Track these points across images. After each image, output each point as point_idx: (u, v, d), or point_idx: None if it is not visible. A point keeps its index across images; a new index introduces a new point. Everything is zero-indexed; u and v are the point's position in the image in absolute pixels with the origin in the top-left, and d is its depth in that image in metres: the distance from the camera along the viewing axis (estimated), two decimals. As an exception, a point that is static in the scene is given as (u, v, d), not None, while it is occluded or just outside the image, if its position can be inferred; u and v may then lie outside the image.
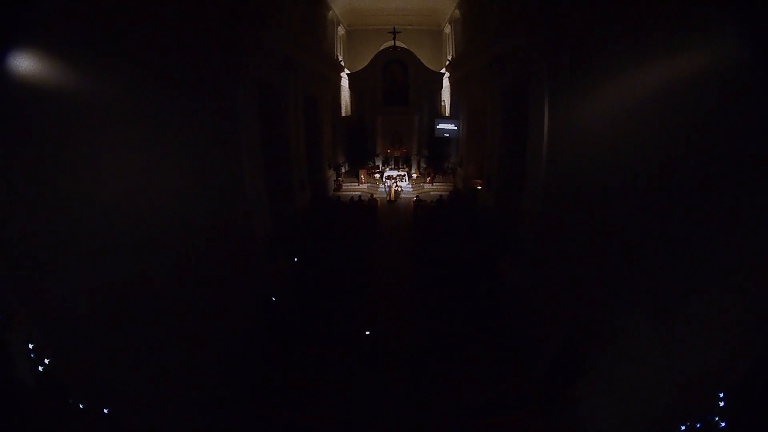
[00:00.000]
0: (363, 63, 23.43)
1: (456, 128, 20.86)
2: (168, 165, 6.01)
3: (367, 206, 17.87)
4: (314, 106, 17.65)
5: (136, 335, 4.95)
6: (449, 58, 22.39)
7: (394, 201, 19.57)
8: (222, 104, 8.21)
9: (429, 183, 21.52)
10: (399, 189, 20.45)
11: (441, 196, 18.85)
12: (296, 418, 6.97)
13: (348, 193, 20.42)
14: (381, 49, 24.00)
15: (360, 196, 18.92)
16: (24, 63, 3.72)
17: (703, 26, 4.11)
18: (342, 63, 23.39)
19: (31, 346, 3.53)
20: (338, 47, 23.40)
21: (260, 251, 9.74)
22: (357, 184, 21.72)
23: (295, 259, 11.86)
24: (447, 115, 23.68)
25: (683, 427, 3.72)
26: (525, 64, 9.92)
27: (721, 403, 3.45)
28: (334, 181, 21.44)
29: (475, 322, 9.46)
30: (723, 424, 3.39)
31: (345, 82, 24.15)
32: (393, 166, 22.74)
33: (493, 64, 13.26)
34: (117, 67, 4.95)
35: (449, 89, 23.53)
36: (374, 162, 23.19)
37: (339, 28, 23.38)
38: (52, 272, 3.95)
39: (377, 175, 21.95)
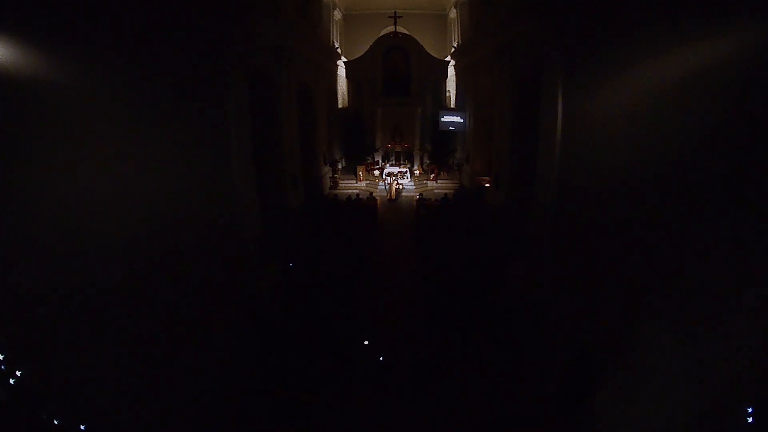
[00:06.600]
0: (361, 50, 23.46)
1: (462, 121, 20.87)
2: (151, 161, 6.01)
3: (365, 205, 17.89)
4: (308, 97, 17.67)
5: (117, 345, 4.95)
6: (454, 45, 22.40)
7: (395, 200, 19.60)
8: (210, 96, 8.21)
9: (433, 180, 21.53)
10: (400, 187, 20.47)
11: (446, 194, 18.87)
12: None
13: (345, 191, 20.44)
14: (381, 35, 24.03)
15: (358, 195, 18.94)
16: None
17: (729, 11, 4.11)
18: (339, 50, 23.41)
19: (1, 356, 3.52)
20: (334, 33, 23.42)
21: (250, 254, 9.74)
22: (355, 181, 21.75)
23: (290, 264, 11.87)
24: (452, 106, 23.69)
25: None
26: (537, 52, 9.92)
27: (749, 419, 3.45)
28: (330, 178, 21.47)
29: (483, 330, 9.47)
30: (751, 441, 3.39)
31: (342, 71, 24.17)
32: (394, 162, 22.78)
33: (503, 51, 13.27)
34: (97, 57, 4.95)
35: (454, 78, 23.53)
36: (373, 158, 23.20)
37: (335, 12, 23.39)
38: (26, 276, 3.95)
39: (377, 172, 21.97)
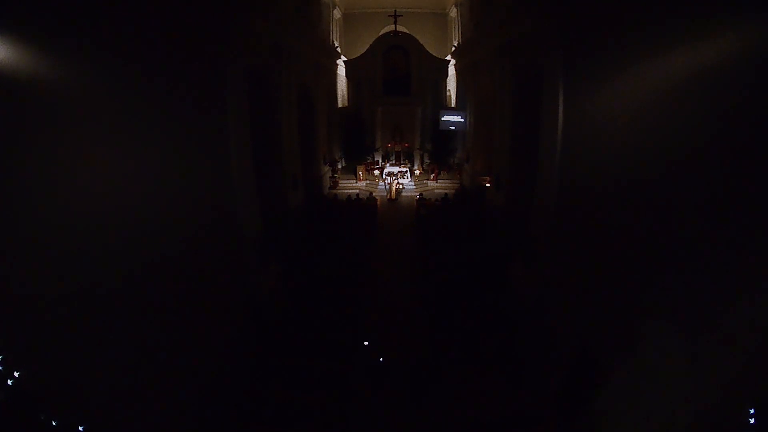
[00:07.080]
0: (361, 49, 23.45)
1: (462, 120, 20.86)
2: (151, 161, 6.01)
3: (365, 205, 17.88)
4: (308, 97, 17.66)
5: (115, 346, 4.95)
6: (455, 44, 22.39)
7: (395, 200, 19.59)
8: (208, 95, 8.21)
9: (433, 180, 21.53)
10: (400, 186, 20.47)
11: (446, 194, 18.87)
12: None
13: (345, 191, 20.44)
14: (381, 34, 24.03)
15: (358, 195, 18.93)
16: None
17: (732, 10, 4.11)
18: (338, 49, 23.40)
19: None
20: (334, 32, 23.41)
21: (250, 255, 9.74)
22: (355, 181, 21.75)
23: (290, 265, 11.86)
24: (452, 106, 23.69)
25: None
26: (538, 51, 9.92)
27: (752, 420, 3.45)
28: (330, 178, 21.46)
29: (484, 331, 9.46)
30: (753, 442, 3.39)
31: (342, 71, 24.16)
32: (394, 162, 22.77)
33: (503, 50, 13.26)
34: (97, 56, 4.95)
35: (455, 78, 23.53)
36: (373, 157, 23.19)
37: (335, 11, 23.38)
38: (23, 276, 3.95)
39: (377, 172, 21.96)
